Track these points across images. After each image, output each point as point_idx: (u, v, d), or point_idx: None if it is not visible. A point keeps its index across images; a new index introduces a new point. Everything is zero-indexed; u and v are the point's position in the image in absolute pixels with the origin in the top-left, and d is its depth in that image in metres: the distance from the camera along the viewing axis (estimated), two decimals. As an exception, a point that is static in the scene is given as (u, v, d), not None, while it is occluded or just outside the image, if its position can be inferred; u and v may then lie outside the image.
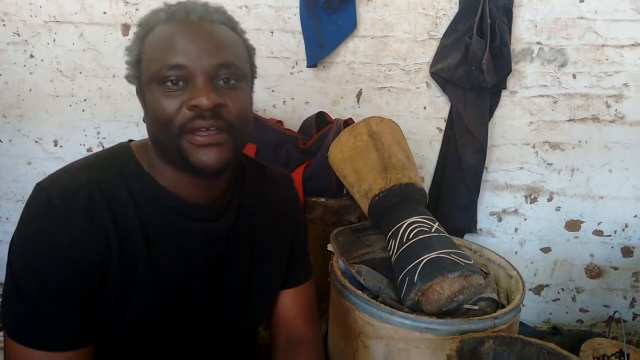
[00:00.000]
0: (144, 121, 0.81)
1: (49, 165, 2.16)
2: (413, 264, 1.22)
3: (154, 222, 0.80)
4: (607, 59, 1.90)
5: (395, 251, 1.31)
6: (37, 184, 0.77)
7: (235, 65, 0.77)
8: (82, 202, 0.74)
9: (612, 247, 2.10)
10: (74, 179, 0.77)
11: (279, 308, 1.03)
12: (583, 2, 1.85)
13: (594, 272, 2.13)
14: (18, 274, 0.74)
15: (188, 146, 0.75)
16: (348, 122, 1.77)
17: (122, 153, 0.84)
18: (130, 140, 0.89)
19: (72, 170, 0.80)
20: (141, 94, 0.80)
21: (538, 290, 2.19)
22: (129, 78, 0.81)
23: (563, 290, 2.18)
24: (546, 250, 2.13)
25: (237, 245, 0.91)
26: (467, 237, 2.06)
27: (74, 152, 2.14)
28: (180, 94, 0.74)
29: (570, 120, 1.97)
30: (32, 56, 2.04)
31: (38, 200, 0.75)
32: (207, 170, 0.77)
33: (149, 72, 0.76)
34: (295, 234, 1.03)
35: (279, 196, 1.01)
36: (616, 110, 1.95)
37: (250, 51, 0.85)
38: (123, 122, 2.10)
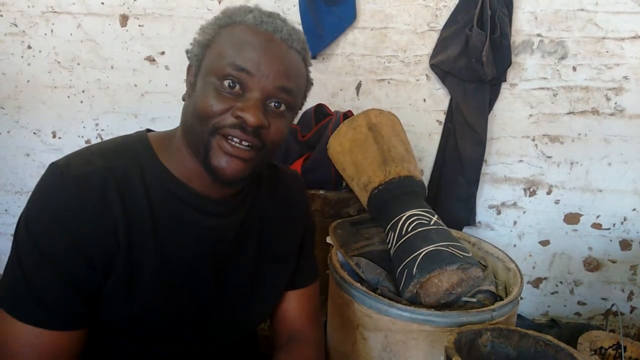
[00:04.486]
0: (183, 99, 0.83)
1: (48, 156, 2.15)
2: (411, 257, 1.22)
3: (164, 212, 0.81)
4: (607, 51, 1.89)
5: (394, 243, 1.31)
6: (52, 163, 0.77)
7: (292, 93, 0.80)
8: (95, 187, 0.75)
9: (610, 240, 2.10)
10: (89, 163, 0.77)
11: (283, 307, 1.03)
12: (584, -7, 1.84)
13: (592, 264, 2.14)
14: (22, 247, 0.74)
15: (215, 147, 0.77)
16: (347, 114, 1.76)
17: (139, 141, 0.85)
18: (148, 130, 0.89)
19: (88, 153, 0.80)
20: (194, 76, 0.81)
21: (536, 282, 2.20)
22: (190, 53, 0.83)
23: (561, 282, 2.18)
24: (544, 242, 2.13)
25: (246, 243, 0.91)
26: (466, 229, 2.06)
27: (72, 143, 2.13)
28: (232, 99, 0.76)
29: (569, 113, 1.97)
30: (29, 47, 2.03)
31: (52, 178, 0.75)
32: (222, 177, 0.78)
33: (213, 64, 0.77)
34: (304, 235, 1.04)
35: (290, 197, 1.02)
36: (616, 103, 1.94)
37: (308, 85, 0.87)
38: (121, 113, 2.09)
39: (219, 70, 0.75)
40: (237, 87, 0.76)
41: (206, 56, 0.79)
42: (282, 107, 0.79)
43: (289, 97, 0.79)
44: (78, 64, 2.03)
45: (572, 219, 2.09)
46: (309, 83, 0.88)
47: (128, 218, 0.77)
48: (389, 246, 1.34)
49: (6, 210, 2.25)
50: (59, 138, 2.13)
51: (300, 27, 1.89)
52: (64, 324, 0.75)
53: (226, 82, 0.75)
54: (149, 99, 2.07)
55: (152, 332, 0.83)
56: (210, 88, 0.76)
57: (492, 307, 1.16)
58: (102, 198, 0.75)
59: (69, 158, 0.79)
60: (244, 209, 0.91)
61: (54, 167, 0.76)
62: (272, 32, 0.78)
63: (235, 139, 0.76)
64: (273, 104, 0.78)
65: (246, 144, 0.77)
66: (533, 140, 2.01)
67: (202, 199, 0.84)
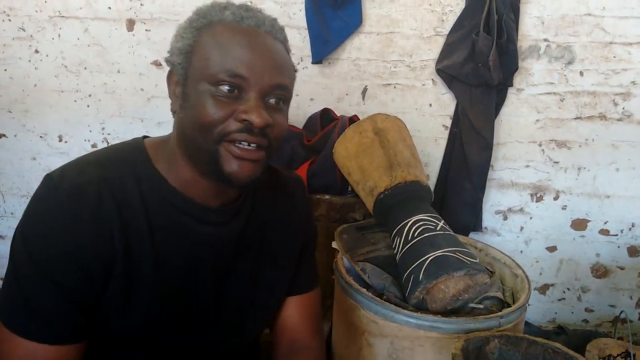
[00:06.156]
0: (172, 110, 0.80)
1: (54, 160, 2.16)
2: (418, 262, 1.21)
3: (162, 222, 0.79)
4: (614, 56, 1.88)
5: (400, 249, 1.30)
6: (47, 175, 0.76)
7: (287, 89, 0.79)
8: (89, 197, 0.73)
9: (618, 247, 2.08)
10: (84, 173, 0.76)
11: (283, 314, 1.02)
12: (591, -2, 1.84)
13: (600, 271, 2.12)
14: (18, 259, 0.73)
15: (224, 154, 0.75)
16: (353, 119, 1.76)
17: (135, 149, 0.83)
18: (145, 136, 0.88)
19: (83, 164, 0.78)
20: (182, 85, 0.78)
21: (543, 289, 2.18)
22: (170, 62, 0.80)
23: (568, 289, 2.16)
24: (552, 249, 2.11)
25: (245, 250, 0.90)
26: (472, 235, 2.04)
27: (78, 147, 2.14)
28: (231, 103, 0.74)
29: (576, 118, 1.96)
30: (36, 51, 2.04)
31: (46, 191, 0.74)
32: (236, 182, 0.77)
33: (204, 70, 0.74)
34: (305, 240, 1.02)
35: (291, 201, 1.00)
36: (623, 108, 1.93)
37: (294, 73, 0.85)
38: (128, 117, 2.10)
39: (212, 77, 0.73)
40: (235, 90, 0.74)
41: (192, 63, 0.76)
42: (281, 103, 0.78)
43: (284, 92, 0.78)
44: (85, 68, 2.04)
45: (579, 225, 2.07)
46: (294, 71, 0.86)
47: (124, 226, 0.75)
48: (395, 251, 1.33)
49: (12, 214, 2.26)
50: (66, 142, 2.14)
51: (306, 31, 1.90)
52: (60, 338, 0.74)
53: (222, 87, 0.73)
54: (155, 103, 2.07)
55: (152, 340, 0.82)
56: (206, 96, 0.73)
57: (500, 313, 1.15)
58: (96, 208, 0.73)
59: (63, 169, 0.77)
60: (244, 216, 0.89)
61: (48, 179, 0.75)
62: (255, 27, 0.76)
63: (243, 142, 0.75)
64: (272, 100, 0.77)
65: (254, 145, 0.75)
66: (540, 145, 2.00)
67: (200, 208, 0.82)
